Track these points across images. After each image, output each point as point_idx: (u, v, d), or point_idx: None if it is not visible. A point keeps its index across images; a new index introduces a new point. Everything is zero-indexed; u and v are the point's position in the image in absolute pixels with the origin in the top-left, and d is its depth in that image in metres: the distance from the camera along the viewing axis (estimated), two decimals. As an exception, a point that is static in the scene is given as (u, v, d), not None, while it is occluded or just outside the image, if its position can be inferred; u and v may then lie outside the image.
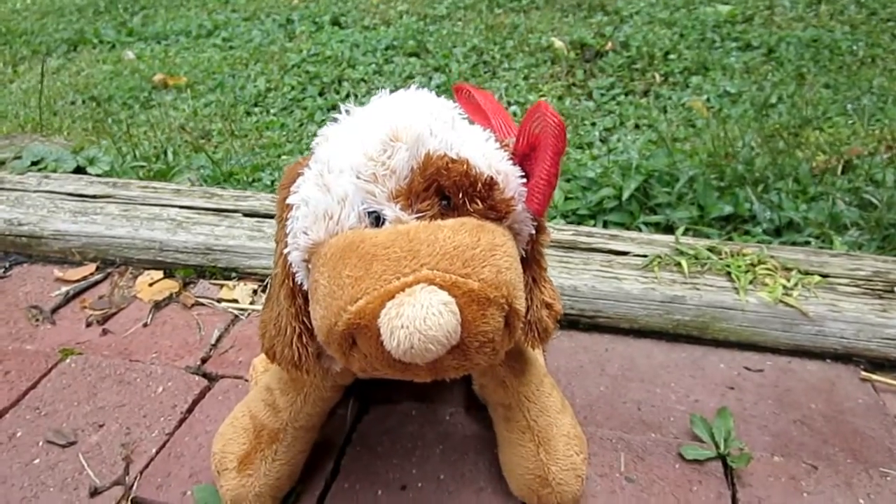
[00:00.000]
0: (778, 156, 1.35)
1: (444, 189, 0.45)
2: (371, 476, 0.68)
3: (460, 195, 0.45)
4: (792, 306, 0.84)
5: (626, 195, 1.22)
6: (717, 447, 0.70)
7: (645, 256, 0.93)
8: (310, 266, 0.47)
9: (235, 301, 0.97)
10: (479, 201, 0.45)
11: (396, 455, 0.70)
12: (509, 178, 0.47)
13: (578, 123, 1.76)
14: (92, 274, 1.04)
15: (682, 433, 0.73)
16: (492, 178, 0.45)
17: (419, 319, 0.38)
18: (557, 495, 0.60)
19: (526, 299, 0.49)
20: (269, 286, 0.94)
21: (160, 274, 1.03)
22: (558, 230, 0.99)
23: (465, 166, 0.44)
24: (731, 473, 0.68)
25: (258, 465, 0.60)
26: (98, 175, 1.29)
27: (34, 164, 1.30)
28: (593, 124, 1.75)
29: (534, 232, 0.51)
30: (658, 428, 0.74)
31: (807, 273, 0.89)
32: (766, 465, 0.69)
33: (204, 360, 0.85)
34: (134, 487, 0.67)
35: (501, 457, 0.65)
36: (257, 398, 0.64)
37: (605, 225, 1.22)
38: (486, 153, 0.47)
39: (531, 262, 0.54)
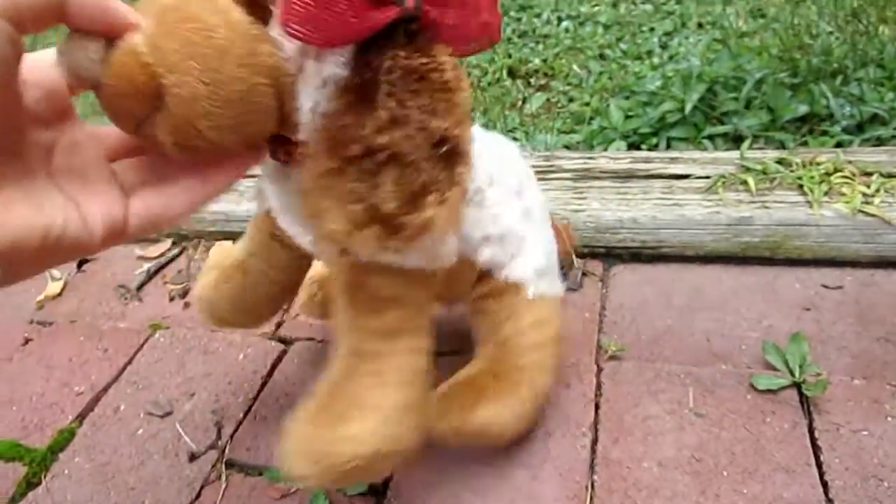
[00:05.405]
0: (859, 39, 1.22)
1: None
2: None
3: None
4: (873, 215, 0.78)
5: (688, 108, 1.15)
6: (792, 374, 0.67)
7: (708, 178, 0.88)
8: None
9: (301, 263, 1.00)
10: None
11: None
12: None
13: (636, 31, 1.65)
14: (169, 249, 1.10)
15: (754, 362, 0.71)
16: None
17: None
18: None
19: None
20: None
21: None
22: (614, 159, 0.95)
23: None
24: (806, 401, 0.66)
25: None
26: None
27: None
28: (651, 30, 1.64)
29: None
30: (728, 358, 0.72)
31: (890, 176, 0.82)
32: (845, 389, 0.66)
33: (278, 325, 0.90)
34: (227, 451, 0.73)
35: None
36: None
37: (669, 142, 1.17)
38: None
39: None
